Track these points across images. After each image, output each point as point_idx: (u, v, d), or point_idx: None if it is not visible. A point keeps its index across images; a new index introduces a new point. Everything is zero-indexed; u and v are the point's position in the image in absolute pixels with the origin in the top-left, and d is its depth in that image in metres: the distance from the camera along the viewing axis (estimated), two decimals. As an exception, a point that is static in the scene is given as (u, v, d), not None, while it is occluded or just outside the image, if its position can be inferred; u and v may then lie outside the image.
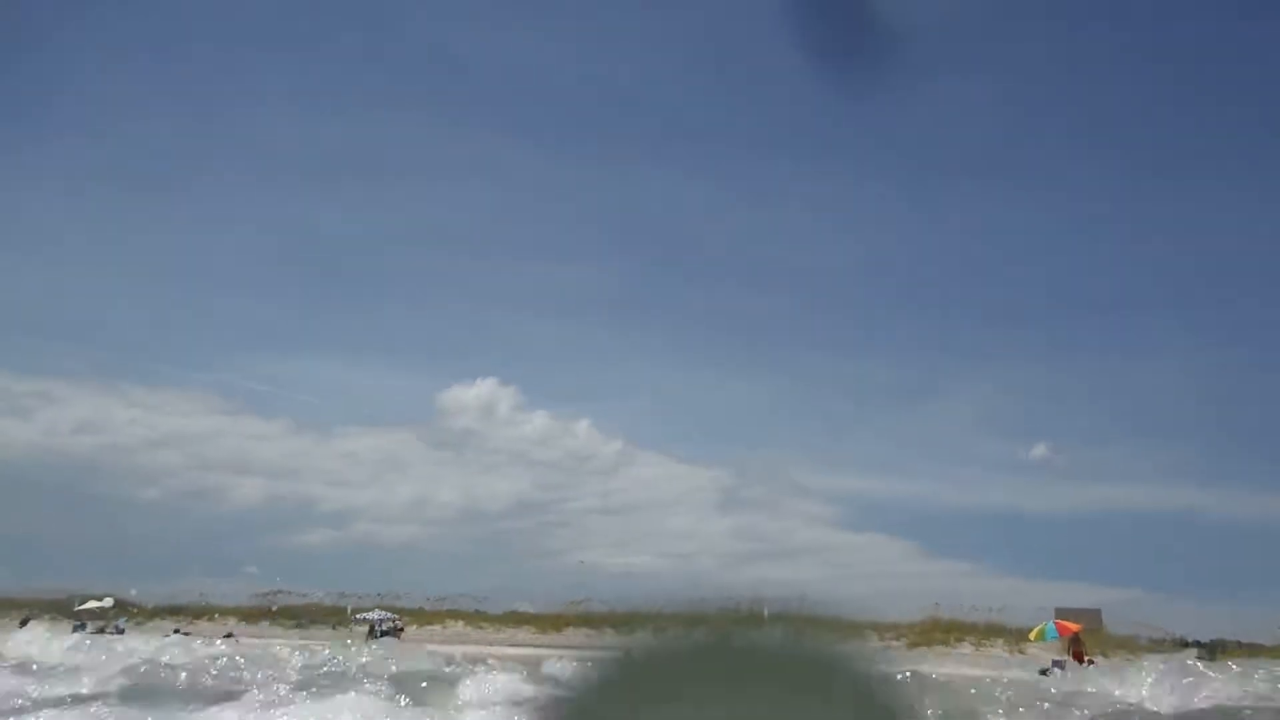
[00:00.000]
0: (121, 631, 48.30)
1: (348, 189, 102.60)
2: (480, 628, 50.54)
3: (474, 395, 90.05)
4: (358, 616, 46.66)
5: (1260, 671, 34.56)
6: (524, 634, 48.58)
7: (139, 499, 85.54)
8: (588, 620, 49.89)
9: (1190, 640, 44.09)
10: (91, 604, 52.16)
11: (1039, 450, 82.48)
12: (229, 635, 46.99)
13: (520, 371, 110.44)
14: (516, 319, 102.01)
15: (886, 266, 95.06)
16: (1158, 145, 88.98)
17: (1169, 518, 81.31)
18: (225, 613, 54.06)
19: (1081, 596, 55.25)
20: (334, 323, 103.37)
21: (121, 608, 53.90)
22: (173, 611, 54.23)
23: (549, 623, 50.34)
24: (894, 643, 41.52)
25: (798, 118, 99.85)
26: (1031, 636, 35.49)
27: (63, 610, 52.75)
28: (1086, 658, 32.74)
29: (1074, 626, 34.55)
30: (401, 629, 45.18)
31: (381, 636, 43.45)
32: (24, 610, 48.53)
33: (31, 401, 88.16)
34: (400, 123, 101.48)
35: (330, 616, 51.56)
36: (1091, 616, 43.33)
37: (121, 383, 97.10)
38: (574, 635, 47.77)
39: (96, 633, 47.56)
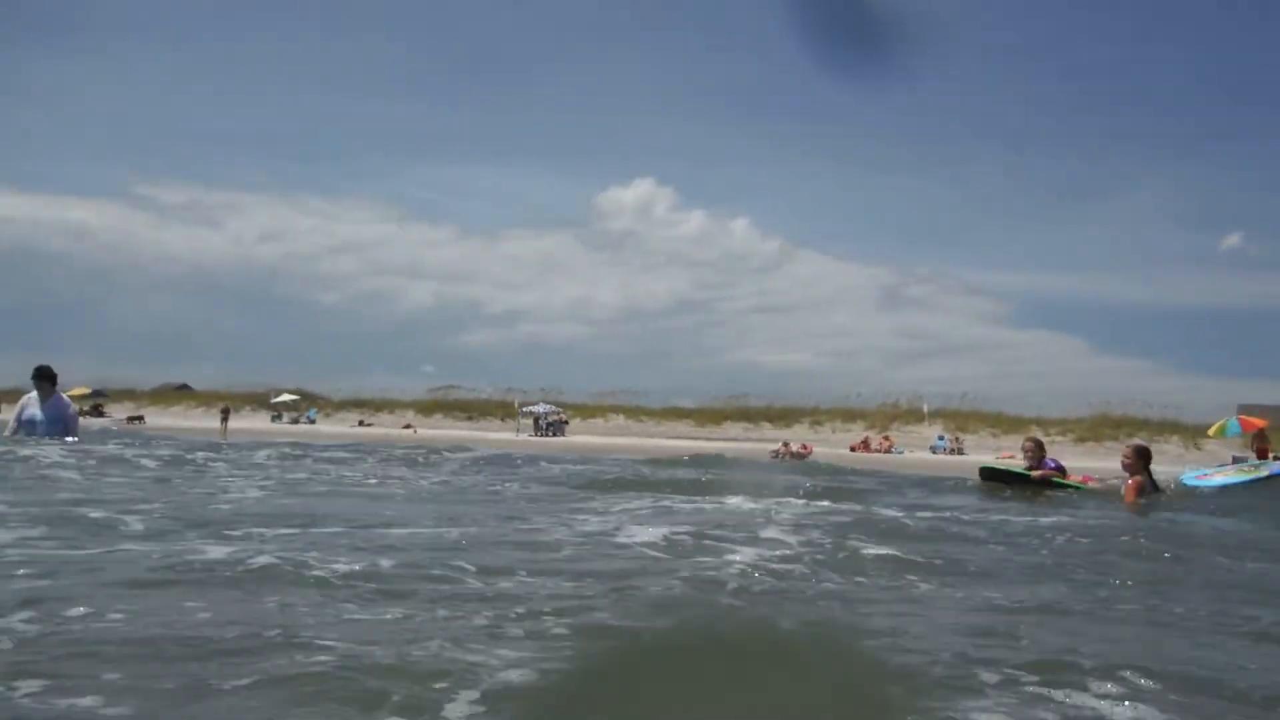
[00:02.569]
0: (313, 421, 52.59)
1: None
2: (641, 420, 52.28)
3: (631, 196, 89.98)
4: (524, 410, 48.91)
5: None
6: (683, 427, 50.00)
7: (321, 302, 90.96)
8: (745, 414, 50.88)
9: (1390, 440, 41.26)
10: (285, 397, 56.75)
11: (1231, 240, 76.44)
12: (408, 426, 50.55)
13: (677, 172, 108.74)
14: (673, 119, 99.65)
15: (1063, 53, 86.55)
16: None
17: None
18: (404, 406, 57.80)
19: (1271, 395, 52.00)
20: (493, 129, 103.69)
21: (310, 400, 58.48)
22: (356, 404, 58.34)
23: (707, 417, 51.54)
24: (1059, 438, 40.56)
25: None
26: (1211, 432, 33.85)
27: (259, 403, 57.71)
28: (1272, 454, 31.25)
29: (1259, 422, 32.62)
30: (566, 422, 47.20)
31: (547, 429, 45.68)
32: (224, 402, 53.30)
33: (221, 213, 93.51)
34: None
35: (499, 410, 54.35)
36: (1277, 413, 40.88)
37: (300, 194, 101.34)
38: (732, 429, 48.89)
39: (291, 422, 52.00)
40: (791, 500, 8.23)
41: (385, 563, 4.19)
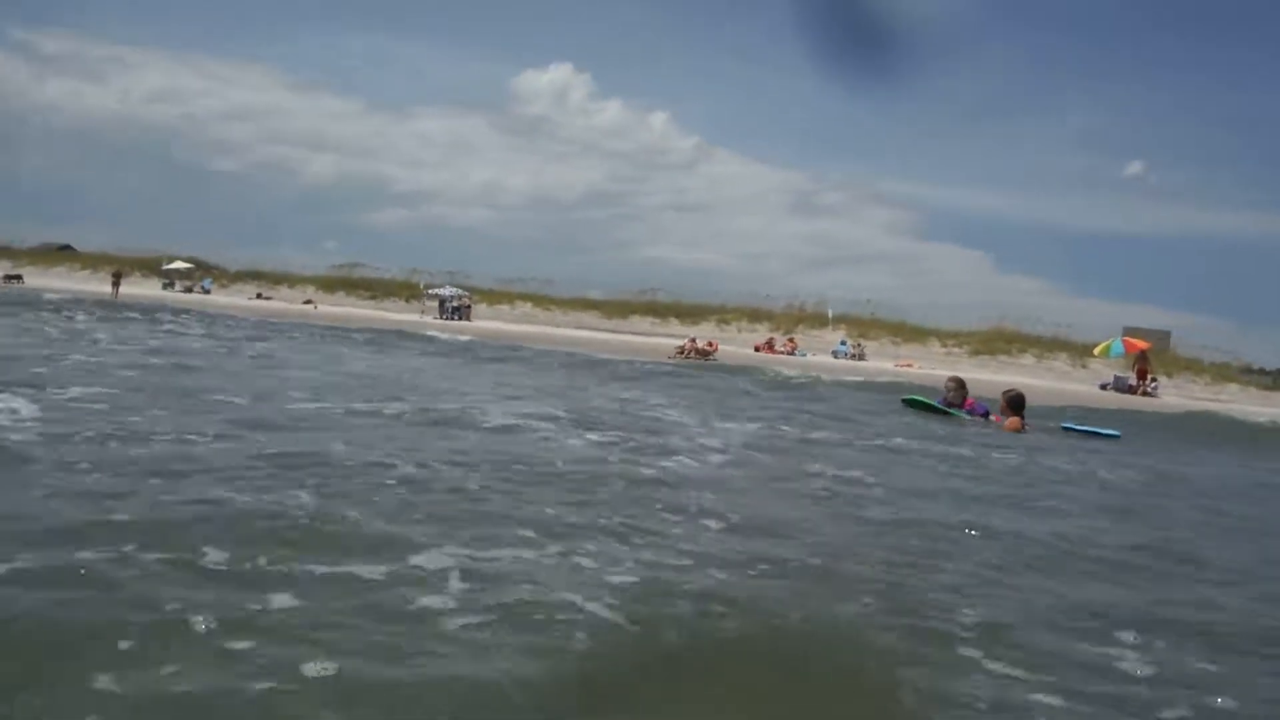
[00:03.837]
0: (207, 291, 50.67)
1: None
2: (548, 309, 51.85)
3: (547, 81, 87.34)
4: (430, 291, 47.97)
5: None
6: (590, 318, 49.79)
7: (217, 169, 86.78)
8: (653, 309, 50.87)
9: (1256, 367, 43.64)
10: (178, 264, 54.42)
11: (1134, 168, 78.57)
12: (308, 301, 49.15)
13: (596, 59, 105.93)
14: (595, 3, 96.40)
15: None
16: None
17: (1261, 246, 78.03)
18: (305, 281, 56.07)
19: (1155, 320, 54.48)
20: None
21: (205, 270, 56.24)
22: (254, 277, 56.36)
23: (615, 309, 51.37)
24: (956, 349, 41.73)
25: None
26: (1096, 352, 35.33)
27: (149, 269, 55.24)
28: (1150, 375, 32.83)
29: (1141, 344, 34.28)
30: (469, 307, 46.49)
31: (453, 313, 44.95)
32: (115, 265, 50.81)
33: (105, 66, 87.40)
34: None
35: (404, 291, 53.18)
36: (1160, 337, 42.80)
37: (193, 53, 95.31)
38: (640, 323, 48.90)
39: (184, 291, 50.01)
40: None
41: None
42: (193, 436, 5.36)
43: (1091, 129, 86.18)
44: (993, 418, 11.70)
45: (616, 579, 3.24)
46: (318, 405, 7.36)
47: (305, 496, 3.95)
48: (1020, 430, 11.23)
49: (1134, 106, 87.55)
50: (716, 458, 6.68)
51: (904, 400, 13.07)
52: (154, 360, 10.24)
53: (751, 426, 9.15)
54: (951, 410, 11.86)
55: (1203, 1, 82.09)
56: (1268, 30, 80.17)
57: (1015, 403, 11.59)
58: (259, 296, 50.70)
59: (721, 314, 48.48)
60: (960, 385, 12.20)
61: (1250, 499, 6.92)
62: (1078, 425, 12.12)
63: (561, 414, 7.85)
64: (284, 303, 47.89)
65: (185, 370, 9.17)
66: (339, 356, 13.57)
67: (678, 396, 12.02)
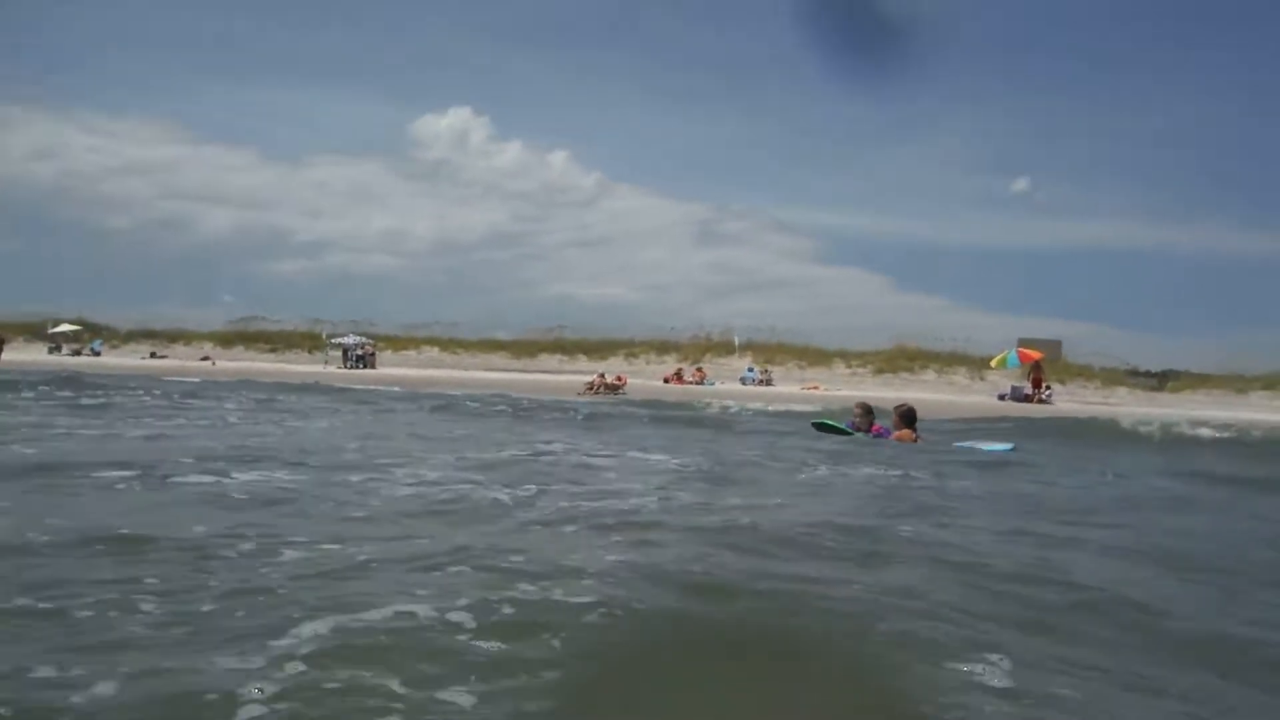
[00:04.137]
0: (98, 354, 48.71)
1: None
2: (455, 353, 51.32)
3: (446, 125, 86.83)
4: (332, 341, 46.97)
5: (1201, 395, 35.87)
6: (498, 359, 49.44)
7: (108, 227, 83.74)
8: (560, 346, 50.78)
9: (1142, 370, 45.58)
10: (64, 327, 52.26)
11: (1020, 184, 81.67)
12: (205, 358, 47.64)
13: (494, 102, 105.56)
14: (491, 47, 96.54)
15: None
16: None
17: (1142, 254, 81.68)
18: (200, 338, 54.39)
19: (1048, 330, 56.33)
20: (298, 47, 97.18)
21: (94, 331, 54.11)
22: (147, 335, 54.44)
23: (523, 349, 51.13)
24: (860, 369, 42.61)
25: None
26: (993, 364, 36.51)
27: (33, 333, 52.91)
28: (1045, 384, 34.05)
29: (1035, 354, 35.55)
30: (374, 354, 45.67)
31: (357, 361, 44.09)
32: (-3, 332, 48.58)
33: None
34: None
35: (305, 342, 52.01)
36: (1052, 347, 44.45)
37: (77, 109, 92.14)
38: (548, 361, 48.74)
39: (72, 355, 48.00)
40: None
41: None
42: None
43: (975, 149, 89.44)
44: (892, 435, 12.03)
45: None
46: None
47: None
48: (913, 441, 11.68)
49: (1014, 126, 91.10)
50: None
51: (813, 424, 13.38)
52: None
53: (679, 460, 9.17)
54: (858, 433, 12.24)
55: (1081, 25, 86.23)
56: (1142, 46, 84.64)
57: (907, 417, 12.22)
58: (153, 355, 48.93)
59: (629, 348, 48.66)
60: (867, 411, 12.62)
61: (1103, 509, 7.18)
62: (973, 444, 12.42)
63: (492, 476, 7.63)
64: (179, 360, 46.37)
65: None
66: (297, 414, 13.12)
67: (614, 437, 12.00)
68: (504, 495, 6.22)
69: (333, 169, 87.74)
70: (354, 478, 6.80)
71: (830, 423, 12.99)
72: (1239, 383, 38.82)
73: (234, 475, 6.47)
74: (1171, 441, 16.09)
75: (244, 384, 23.80)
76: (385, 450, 8.91)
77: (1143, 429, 17.66)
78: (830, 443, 11.68)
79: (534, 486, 6.67)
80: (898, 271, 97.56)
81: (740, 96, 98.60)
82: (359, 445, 9.29)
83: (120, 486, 5.92)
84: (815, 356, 44.26)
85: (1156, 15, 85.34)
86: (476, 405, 18.38)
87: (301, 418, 13.15)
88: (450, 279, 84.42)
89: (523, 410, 17.33)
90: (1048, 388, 33.48)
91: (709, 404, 22.70)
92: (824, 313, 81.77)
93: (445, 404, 18.68)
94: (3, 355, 41.36)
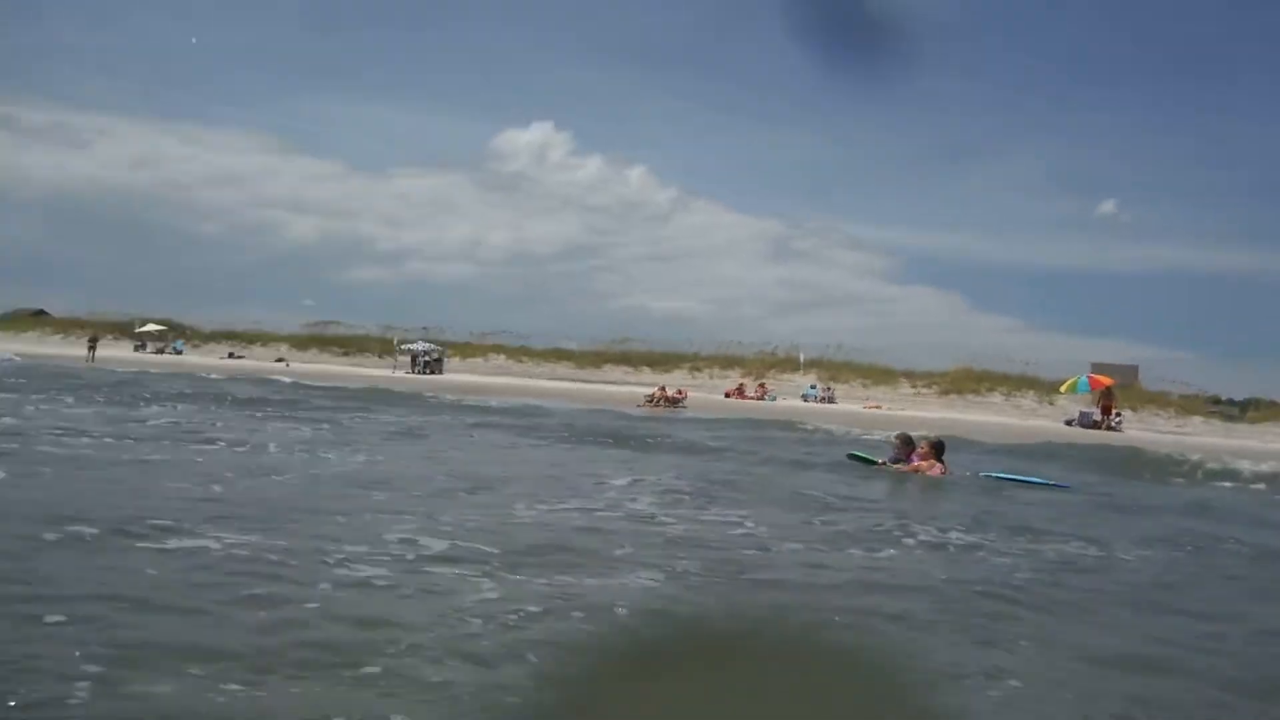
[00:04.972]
0: (179, 352, 50.59)
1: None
2: (521, 361, 51.99)
3: (527, 138, 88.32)
4: (402, 347, 48.05)
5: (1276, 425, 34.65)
6: (564, 369, 49.95)
7: (200, 233, 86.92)
8: (625, 358, 51.10)
9: (1225, 399, 44.13)
10: (151, 326, 54.34)
11: (1106, 206, 79.84)
12: (280, 359, 49.14)
13: (576, 117, 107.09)
14: (574, 65, 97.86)
15: (949, 18, 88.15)
16: None
17: (1229, 280, 79.23)
18: (278, 340, 56.01)
19: (1125, 354, 55.11)
20: (388, 64, 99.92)
21: (178, 331, 56.15)
22: (228, 336, 56.28)
23: (588, 359, 51.57)
24: (925, 390, 42.09)
25: None
26: (1062, 389, 35.75)
27: (123, 332, 55.14)
28: (1115, 410, 33.22)
29: (1106, 380, 34.71)
30: (441, 359, 46.61)
31: (425, 367, 45.07)
32: (90, 330, 50.72)
33: (89, 136, 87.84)
34: None
35: (377, 346, 53.25)
36: (1128, 372, 43.30)
37: (177, 120, 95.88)
38: (613, 372, 49.09)
39: (156, 353, 49.93)
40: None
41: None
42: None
43: (1059, 168, 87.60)
44: (912, 464, 11.77)
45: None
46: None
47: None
48: (940, 474, 11.48)
49: (1100, 146, 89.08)
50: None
51: (848, 455, 13.34)
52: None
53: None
54: (896, 464, 12.03)
55: (1174, 38, 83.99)
56: (1237, 68, 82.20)
57: (936, 448, 11.95)
58: (230, 356, 50.63)
59: (694, 361, 48.75)
60: (906, 442, 12.40)
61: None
62: (1007, 475, 12.12)
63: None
64: (255, 361, 47.88)
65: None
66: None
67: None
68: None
69: (415, 180, 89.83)
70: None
71: (862, 455, 12.94)
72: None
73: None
74: (1207, 478, 15.40)
75: (301, 390, 24.51)
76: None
77: (1177, 462, 16.89)
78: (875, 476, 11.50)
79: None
80: (971, 290, 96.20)
81: (816, 116, 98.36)
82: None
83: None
84: (880, 375, 43.80)
85: (1251, 34, 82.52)
86: (529, 422, 18.41)
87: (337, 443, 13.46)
88: (524, 289, 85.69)
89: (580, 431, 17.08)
90: (1118, 414, 32.67)
91: (812, 428, 21.61)
92: (894, 330, 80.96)
93: (500, 419, 18.93)
94: (97, 352, 43.29)
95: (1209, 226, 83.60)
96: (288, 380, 28.90)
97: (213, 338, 56.47)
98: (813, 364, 46.02)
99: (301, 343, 55.41)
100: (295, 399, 19.87)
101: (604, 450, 13.27)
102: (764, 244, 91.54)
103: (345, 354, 53.61)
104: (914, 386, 42.78)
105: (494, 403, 24.02)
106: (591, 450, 13.22)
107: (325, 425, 13.53)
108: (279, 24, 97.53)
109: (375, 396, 22.72)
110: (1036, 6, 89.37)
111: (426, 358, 45.71)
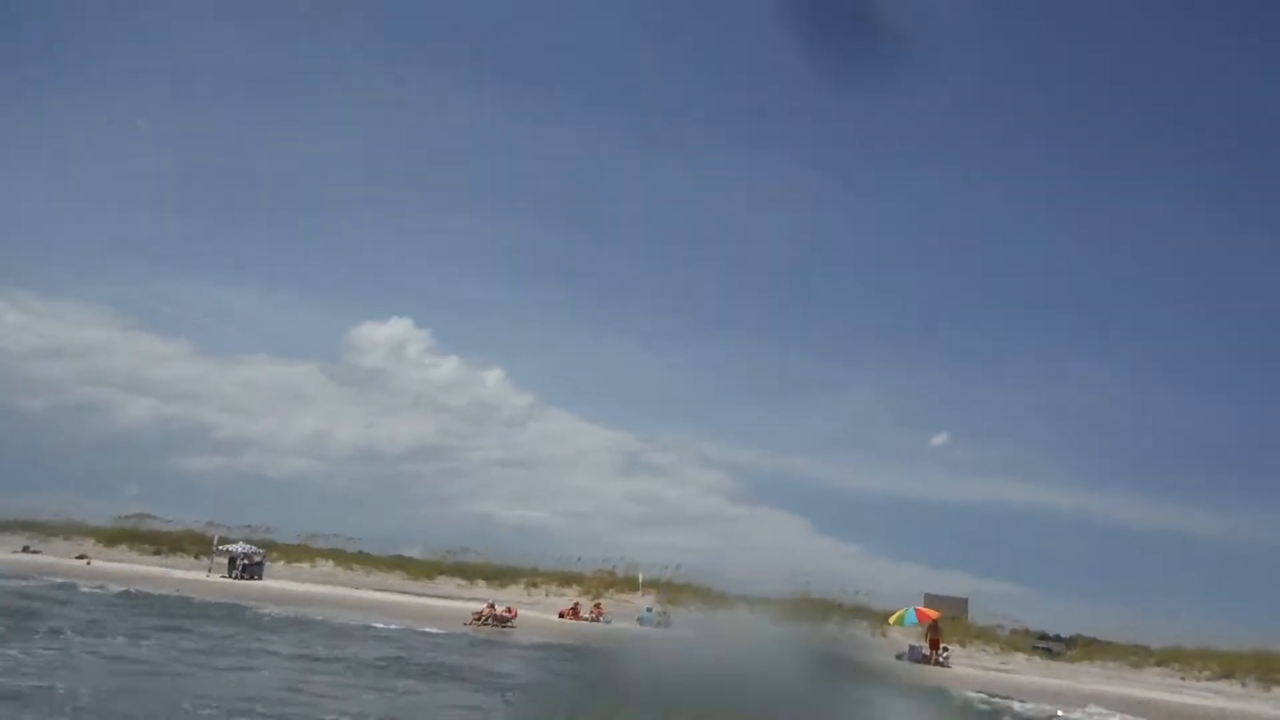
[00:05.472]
0: (-35, 544, 45.88)
1: (273, 114, 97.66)
2: (351, 569, 49.33)
3: (386, 333, 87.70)
4: (221, 548, 44.90)
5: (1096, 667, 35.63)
6: (394, 579, 47.60)
7: (23, 408, 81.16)
8: (462, 570, 49.15)
9: (1051, 634, 45.38)
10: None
11: (940, 439, 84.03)
12: (82, 556, 45.03)
13: (436, 318, 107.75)
14: (436, 264, 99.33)
15: (812, 248, 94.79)
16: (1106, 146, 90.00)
17: (1059, 517, 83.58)
18: (85, 533, 51.62)
19: (961, 585, 56.49)
20: (246, 249, 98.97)
21: (-32, 519, 51.17)
22: (24, 526, 51.52)
23: (422, 570, 49.39)
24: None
25: (739, 91, 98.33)
26: (891, 621, 36.05)
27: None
28: (942, 645, 33.53)
29: (933, 614, 35.23)
30: (261, 564, 43.56)
31: (243, 571, 41.87)
32: None
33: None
34: (332, 53, 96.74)
35: (196, 545, 49.68)
36: (957, 605, 44.29)
37: (13, 288, 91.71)
38: (446, 584, 47.03)
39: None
40: None
41: None
42: None
43: (897, 402, 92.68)
44: None
45: None
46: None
47: None
48: None
49: (933, 384, 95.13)
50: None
51: None
52: None
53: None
54: None
55: (1005, 295, 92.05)
56: (1057, 328, 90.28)
57: None
58: (25, 550, 46.25)
59: (531, 577, 47.25)
60: None
61: None
62: None
63: None
64: (53, 557, 43.84)
65: None
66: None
67: None
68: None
69: (265, 367, 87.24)
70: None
71: None
72: (1137, 655, 38.73)
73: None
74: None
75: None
76: None
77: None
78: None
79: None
80: (817, 515, 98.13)
81: (674, 340, 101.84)
82: None
83: None
84: (718, 599, 43.28)
85: (1078, 297, 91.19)
86: (327, 646, 17.12)
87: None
88: (370, 487, 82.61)
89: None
90: (945, 649, 32.99)
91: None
92: (740, 551, 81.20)
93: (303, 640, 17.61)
94: None
95: (1037, 465, 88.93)
96: (68, 582, 26.41)
97: (9, 527, 51.59)
98: (653, 584, 45.29)
99: (111, 537, 51.13)
100: (48, 610, 17.93)
101: (391, 681, 12.27)
102: (617, 456, 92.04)
103: (158, 552, 49.74)
104: (751, 612, 42.39)
105: (276, 613, 22.39)
106: (378, 681, 12.20)
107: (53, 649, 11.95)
108: (136, 204, 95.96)
109: (166, 607, 20.85)
110: (889, 241, 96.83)
111: (245, 561, 42.69)
